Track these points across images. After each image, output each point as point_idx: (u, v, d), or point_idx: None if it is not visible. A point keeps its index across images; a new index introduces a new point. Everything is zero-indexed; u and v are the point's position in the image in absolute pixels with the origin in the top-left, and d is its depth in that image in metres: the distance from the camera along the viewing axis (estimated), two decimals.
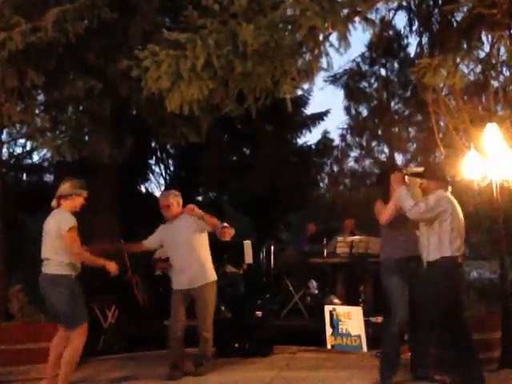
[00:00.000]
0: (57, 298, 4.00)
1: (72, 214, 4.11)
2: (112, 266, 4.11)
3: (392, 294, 4.09)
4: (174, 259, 4.70)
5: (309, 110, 13.30)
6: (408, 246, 4.12)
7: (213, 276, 4.69)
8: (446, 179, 4.15)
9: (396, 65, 12.88)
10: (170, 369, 4.55)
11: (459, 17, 5.65)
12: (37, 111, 5.73)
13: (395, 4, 5.92)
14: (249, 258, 6.70)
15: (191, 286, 4.57)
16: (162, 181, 12.98)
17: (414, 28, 7.37)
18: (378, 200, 4.27)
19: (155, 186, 13.19)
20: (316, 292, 7.72)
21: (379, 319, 5.91)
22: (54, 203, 4.17)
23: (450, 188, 4.11)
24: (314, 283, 7.76)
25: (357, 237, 7.03)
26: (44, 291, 4.06)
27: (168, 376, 4.49)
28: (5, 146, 6.22)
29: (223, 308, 6.32)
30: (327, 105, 30.45)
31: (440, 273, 3.88)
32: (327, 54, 4.38)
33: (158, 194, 12.78)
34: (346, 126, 13.96)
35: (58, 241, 4.00)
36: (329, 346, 5.65)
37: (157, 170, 12.93)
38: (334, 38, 4.25)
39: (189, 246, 4.61)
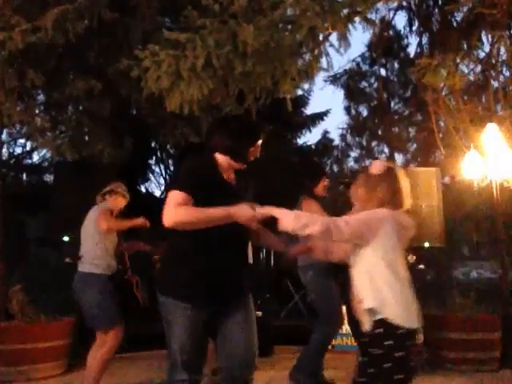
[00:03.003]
0: (86, 298, 3.91)
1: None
2: (140, 221, 4.03)
3: (329, 304, 4.31)
4: None
5: (309, 110, 13.32)
6: None
7: None
8: None
9: (396, 65, 12.87)
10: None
11: (459, 17, 5.66)
12: (37, 111, 5.72)
13: (395, 4, 5.94)
14: (249, 257, 6.68)
15: None
16: (162, 181, 12.99)
17: (414, 28, 7.39)
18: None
19: (155, 185, 13.20)
20: None
21: None
22: (99, 198, 4.20)
23: None
24: None
25: None
26: (76, 290, 3.97)
27: None
28: (5, 145, 6.21)
29: None
30: (327, 105, 30.43)
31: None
32: (327, 54, 4.39)
33: (158, 193, 12.82)
34: (345, 126, 13.96)
35: (95, 235, 3.99)
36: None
37: (157, 169, 12.94)
38: (334, 38, 4.26)
39: None
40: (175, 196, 2.31)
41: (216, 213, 2.29)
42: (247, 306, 2.63)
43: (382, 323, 2.13)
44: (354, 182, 2.47)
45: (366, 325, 2.20)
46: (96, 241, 3.99)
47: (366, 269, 2.23)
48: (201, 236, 2.34)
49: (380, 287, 2.17)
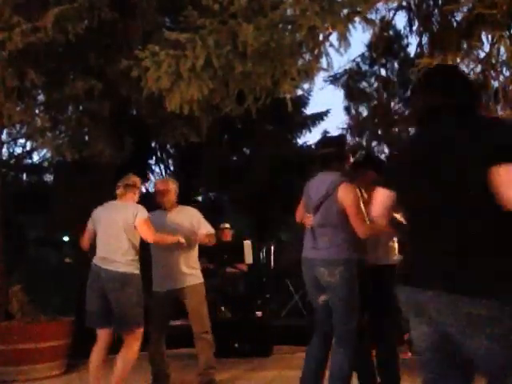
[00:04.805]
0: (124, 299, 3.73)
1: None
2: (176, 240, 4.02)
3: (354, 305, 3.36)
4: (161, 254, 4.26)
5: (309, 110, 13.32)
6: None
7: (201, 277, 4.44)
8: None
9: (396, 65, 12.88)
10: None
11: (459, 17, 5.65)
12: (37, 111, 5.73)
13: (395, 4, 5.91)
14: (249, 258, 6.69)
15: (180, 285, 4.27)
16: None
17: (414, 28, 7.36)
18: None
19: None
20: None
21: None
22: (121, 191, 3.97)
23: None
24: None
25: None
26: (112, 291, 3.74)
27: None
28: (5, 146, 6.22)
29: (223, 308, 6.32)
30: (327, 105, 30.40)
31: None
32: (327, 54, 4.38)
33: None
34: (346, 126, 13.98)
35: (128, 233, 3.79)
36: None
37: (157, 170, 12.93)
38: (334, 38, 4.26)
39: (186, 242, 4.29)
40: None
41: None
42: None
43: None
44: None
45: None
46: (131, 239, 3.82)
47: None
48: None
49: None
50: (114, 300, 3.73)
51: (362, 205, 3.30)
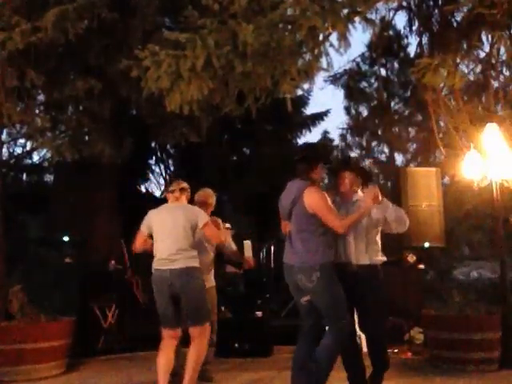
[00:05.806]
0: (193, 291, 3.87)
1: None
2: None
3: (339, 301, 3.47)
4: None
5: (309, 110, 13.31)
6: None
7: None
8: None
9: (396, 65, 12.86)
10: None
11: (459, 17, 5.65)
12: (37, 111, 5.73)
13: (395, 4, 5.92)
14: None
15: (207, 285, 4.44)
16: (162, 181, 12.99)
17: (414, 28, 7.37)
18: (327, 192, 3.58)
19: (155, 186, 13.20)
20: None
21: None
22: (178, 194, 4.19)
23: None
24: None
25: None
26: (180, 287, 3.85)
27: None
28: (5, 146, 6.20)
29: (223, 308, 6.32)
30: (327, 105, 30.35)
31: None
32: (327, 54, 4.37)
33: (158, 193, 12.84)
34: (346, 126, 13.95)
35: (190, 231, 3.98)
36: None
37: (157, 170, 12.93)
38: (334, 38, 4.25)
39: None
40: None
41: None
42: None
43: None
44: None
45: None
46: (193, 236, 4.00)
47: None
48: None
49: None
50: (184, 295, 3.83)
51: (330, 203, 3.46)
